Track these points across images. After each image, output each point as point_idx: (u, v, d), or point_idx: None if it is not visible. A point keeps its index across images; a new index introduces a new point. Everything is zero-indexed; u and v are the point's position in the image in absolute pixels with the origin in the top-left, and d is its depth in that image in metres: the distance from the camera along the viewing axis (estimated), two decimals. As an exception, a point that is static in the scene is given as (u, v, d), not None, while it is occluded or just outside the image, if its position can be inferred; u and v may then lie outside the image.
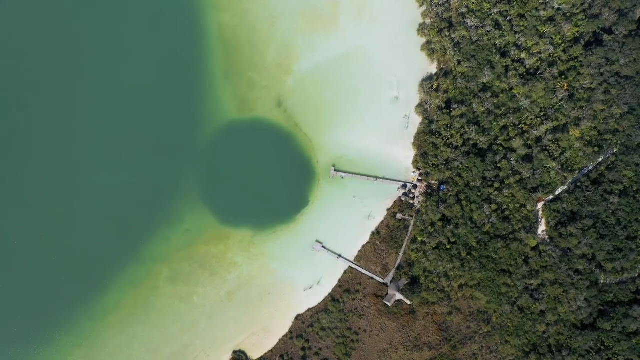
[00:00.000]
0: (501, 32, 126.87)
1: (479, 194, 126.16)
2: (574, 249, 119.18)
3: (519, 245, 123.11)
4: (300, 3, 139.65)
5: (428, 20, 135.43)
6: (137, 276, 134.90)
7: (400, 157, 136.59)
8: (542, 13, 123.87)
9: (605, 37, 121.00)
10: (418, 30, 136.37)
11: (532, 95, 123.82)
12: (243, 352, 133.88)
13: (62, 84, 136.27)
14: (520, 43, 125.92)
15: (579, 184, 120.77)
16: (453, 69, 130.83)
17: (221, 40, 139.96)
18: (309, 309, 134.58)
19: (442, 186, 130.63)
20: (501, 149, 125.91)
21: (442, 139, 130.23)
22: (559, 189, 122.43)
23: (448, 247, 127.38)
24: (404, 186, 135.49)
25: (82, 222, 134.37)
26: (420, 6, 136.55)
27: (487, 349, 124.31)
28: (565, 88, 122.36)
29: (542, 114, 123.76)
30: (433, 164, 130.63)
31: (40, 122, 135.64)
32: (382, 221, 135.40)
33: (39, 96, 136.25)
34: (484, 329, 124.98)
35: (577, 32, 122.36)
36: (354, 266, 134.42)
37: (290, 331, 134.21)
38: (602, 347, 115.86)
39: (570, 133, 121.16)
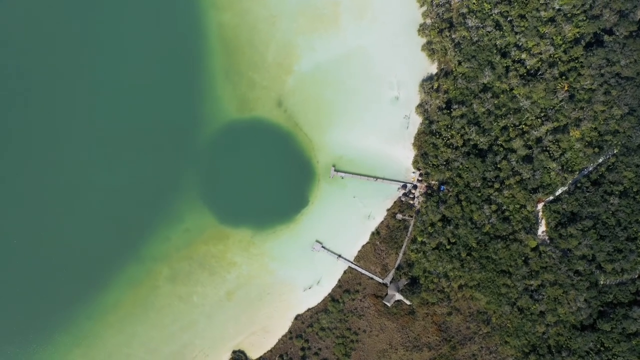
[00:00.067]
0: (502, 32, 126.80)
1: (479, 194, 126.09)
2: (574, 249, 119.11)
3: (518, 245, 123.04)
4: (301, 3, 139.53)
5: (429, 21, 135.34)
6: (137, 275, 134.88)
7: (400, 157, 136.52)
8: (542, 14, 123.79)
9: (605, 37, 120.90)
10: (418, 30, 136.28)
11: (532, 96, 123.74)
12: (242, 352, 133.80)
13: (62, 84, 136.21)
14: (520, 43, 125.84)
15: (579, 185, 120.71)
16: (453, 70, 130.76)
17: (221, 40, 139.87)
18: (309, 309, 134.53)
19: (442, 186, 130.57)
20: (501, 149, 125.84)
21: (443, 140, 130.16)
22: (559, 190, 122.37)
23: (448, 247, 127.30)
24: (404, 186, 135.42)
25: (81, 221, 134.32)
26: (421, 6, 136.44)
27: (486, 350, 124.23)
28: (566, 89, 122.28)
29: (542, 114, 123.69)
30: (433, 165, 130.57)
31: (40, 122, 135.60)
32: (382, 221, 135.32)
33: (39, 96, 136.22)
34: (484, 329, 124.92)
35: (578, 32, 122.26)
36: (353, 266, 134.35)
37: (289, 331, 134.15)
38: (601, 348, 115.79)
39: (571, 134, 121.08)
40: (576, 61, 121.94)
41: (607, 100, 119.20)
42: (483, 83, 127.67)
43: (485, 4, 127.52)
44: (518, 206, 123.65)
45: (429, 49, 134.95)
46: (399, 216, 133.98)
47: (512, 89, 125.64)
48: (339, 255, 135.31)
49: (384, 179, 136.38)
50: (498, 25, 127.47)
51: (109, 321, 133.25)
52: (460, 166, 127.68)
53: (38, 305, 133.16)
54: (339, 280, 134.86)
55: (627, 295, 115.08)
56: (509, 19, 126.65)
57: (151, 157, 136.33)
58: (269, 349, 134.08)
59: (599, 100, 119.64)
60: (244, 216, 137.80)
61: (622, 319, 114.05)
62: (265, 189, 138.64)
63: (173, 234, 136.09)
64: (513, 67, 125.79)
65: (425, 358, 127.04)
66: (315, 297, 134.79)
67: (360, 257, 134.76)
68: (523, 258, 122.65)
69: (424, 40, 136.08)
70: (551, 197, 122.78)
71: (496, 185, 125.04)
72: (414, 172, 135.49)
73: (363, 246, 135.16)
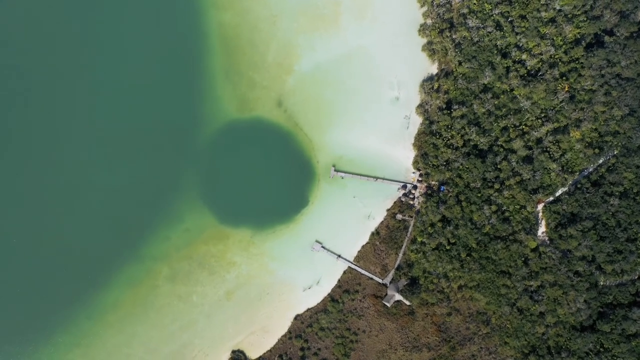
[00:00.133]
0: (502, 33, 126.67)
1: (479, 195, 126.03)
2: (574, 250, 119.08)
3: (518, 246, 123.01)
4: (302, 2, 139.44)
5: (429, 21, 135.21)
6: (136, 275, 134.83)
7: (400, 157, 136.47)
8: (543, 14, 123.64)
9: (606, 38, 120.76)
10: (419, 30, 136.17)
11: (532, 97, 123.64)
12: (242, 352, 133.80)
13: (62, 84, 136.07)
14: (521, 44, 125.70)
15: (579, 186, 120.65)
16: (454, 70, 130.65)
17: (222, 40, 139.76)
18: (308, 309, 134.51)
19: (442, 187, 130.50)
20: (501, 150, 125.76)
21: (443, 140, 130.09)
22: (559, 191, 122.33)
23: (448, 248, 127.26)
24: (404, 187, 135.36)
25: (81, 221, 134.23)
26: (422, 6, 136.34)
27: (486, 350, 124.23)
28: (566, 89, 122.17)
29: (542, 115, 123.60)
30: (433, 165, 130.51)
31: (40, 122, 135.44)
32: (382, 221, 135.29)
33: (39, 96, 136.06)
34: (483, 330, 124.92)
35: (578, 33, 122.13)
36: (353, 266, 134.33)
37: (289, 331, 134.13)
38: (601, 349, 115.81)
39: (571, 134, 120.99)
40: (577, 62, 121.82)
41: (608, 101, 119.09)
42: (483, 83, 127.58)
43: (486, 4, 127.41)
44: (518, 207, 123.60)
45: (430, 49, 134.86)
46: (399, 216, 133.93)
47: (512, 90, 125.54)
48: (339, 256, 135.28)
49: (384, 179, 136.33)
50: (499, 26, 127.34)
51: (108, 321, 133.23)
52: (461, 167, 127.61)
53: (38, 305, 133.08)
54: (339, 281, 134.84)
55: (627, 297, 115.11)
56: (509, 19, 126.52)
57: (151, 157, 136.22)
58: (269, 348, 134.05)
59: (599, 101, 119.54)
60: (243, 216, 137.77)
61: (622, 320, 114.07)
62: (265, 189, 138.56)
63: (173, 233, 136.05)
64: (513, 68, 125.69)
65: (424, 358, 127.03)
66: (314, 297, 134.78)
67: (360, 257, 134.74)
68: (523, 259, 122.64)
69: (424, 40, 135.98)
70: (551, 198, 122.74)
71: (496, 186, 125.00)
72: (414, 173, 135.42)
73: (363, 246, 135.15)
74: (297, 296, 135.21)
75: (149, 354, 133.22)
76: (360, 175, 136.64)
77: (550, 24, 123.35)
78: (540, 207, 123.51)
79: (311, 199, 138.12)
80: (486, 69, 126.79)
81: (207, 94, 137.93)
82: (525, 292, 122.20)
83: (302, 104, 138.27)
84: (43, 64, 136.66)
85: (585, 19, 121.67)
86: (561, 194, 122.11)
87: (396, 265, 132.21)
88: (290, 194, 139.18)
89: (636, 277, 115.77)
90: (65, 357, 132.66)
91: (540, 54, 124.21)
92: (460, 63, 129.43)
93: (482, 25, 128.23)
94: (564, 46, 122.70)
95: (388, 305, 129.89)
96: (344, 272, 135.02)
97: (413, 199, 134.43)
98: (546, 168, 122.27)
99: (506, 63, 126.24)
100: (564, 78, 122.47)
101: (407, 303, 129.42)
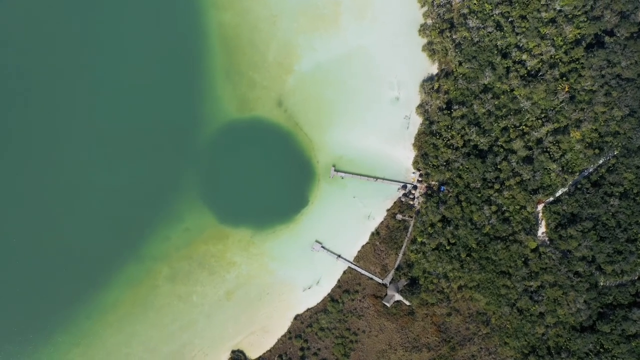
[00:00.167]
0: (502, 33, 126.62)
1: (479, 195, 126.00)
2: (574, 251, 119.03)
3: (518, 246, 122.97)
4: (302, 2, 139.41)
5: (429, 21, 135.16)
6: (136, 275, 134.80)
7: (400, 157, 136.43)
8: (543, 14, 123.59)
9: (606, 39, 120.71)
10: (419, 30, 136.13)
11: (533, 97, 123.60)
12: (241, 352, 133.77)
13: (62, 83, 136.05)
14: (521, 44, 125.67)
15: (579, 186, 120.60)
16: (454, 70, 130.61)
17: (222, 40, 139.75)
18: (308, 309, 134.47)
19: (442, 187, 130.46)
20: (502, 150, 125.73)
21: (443, 140, 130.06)
22: (559, 191, 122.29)
23: (448, 248, 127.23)
24: (404, 187, 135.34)
25: (81, 220, 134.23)
26: (422, 7, 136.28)
27: (486, 351, 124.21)
28: (566, 90, 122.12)
29: (542, 115, 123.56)
30: (433, 165, 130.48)
31: (40, 122, 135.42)
32: (382, 222, 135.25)
33: (39, 96, 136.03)
34: (483, 330, 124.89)
35: (579, 33, 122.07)
36: (353, 266, 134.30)
37: (289, 331, 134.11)
38: (601, 350, 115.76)
39: (571, 135, 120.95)
40: (577, 62, 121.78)
41: (608, 101, 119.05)
42: (484, 84, 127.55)
43: (486, 4, 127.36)
44: (518, 207, 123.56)
45: (430, 50, 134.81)
46: (399, 216, 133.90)
47: (512, 90, 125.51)
48: (339, 256, 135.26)
49: (384, 179, 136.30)
50: (499, 26, 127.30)
51: (108, 320, 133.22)
52: (461, 167, 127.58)
53: (38, 305, 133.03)
54: (339, 281, 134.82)
55: (627, 297, 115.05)
56: (510, 19, 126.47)
57: (151, 157, 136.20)
58: (268, 348, 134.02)
59: (599, 101, 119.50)
60: (243, 216, 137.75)
61: (622, 320, 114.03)
62: (265, 189, 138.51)
63: (173, 233, 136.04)
64: (514, 68, 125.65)
65: (424, 359, 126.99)
66: (314, 297, 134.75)
67: (360, 258, 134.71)
68: (523, 259, 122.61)
69: (424, 40, 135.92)
70: (551, 198, 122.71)
71: (496, 186, 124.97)
72: (414, 173, 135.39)
73: (363, 246, 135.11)
74: (297, 296, 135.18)
75: (149, 354, 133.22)
76: (360, 175, 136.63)
77: (551, 24, 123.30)
78: (540, 207, 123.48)
79: (311, 199, 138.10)
80: (486, 69, 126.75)
81: (207, 94, 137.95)
82: (525, 293, 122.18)
83: (302, 104, 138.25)
84: (43, 64, 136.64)
85: (585, 19, 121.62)
86: (561, 195, 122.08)
87: (396, 266, 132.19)
88: (290, 194, 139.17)
89: (636, 278, 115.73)
90: (65, 357, 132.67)
91: (541, 54, 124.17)
92: (460, 63, 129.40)
93: (482, 26, 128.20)
94: (564, 46, 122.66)
95: (388, 305, 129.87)
96: (344, 272, 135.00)
97: (413, 199, 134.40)
98: (546, 168, 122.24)
99: (506, 63, 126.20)
100: (564, 78, 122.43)
101: (407, 303, 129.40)
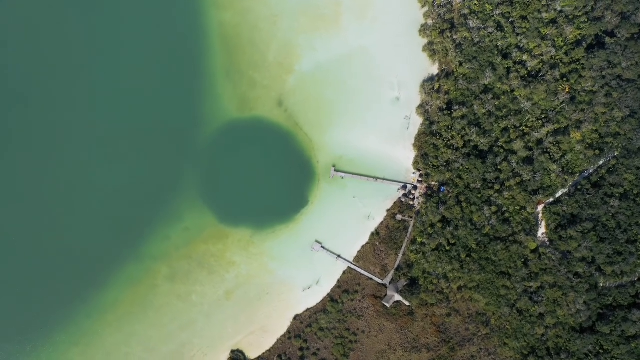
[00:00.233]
0: (503, 33, 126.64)
1: (479, 195, 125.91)
2: (574, 251, 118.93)
3: (518, 247, 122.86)
4: (302, 2, 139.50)
5: (430, 21, 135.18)
6: (136, 274, 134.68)
7: (400, 158, 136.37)
8: (544, 15, 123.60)
9: (607, 40, 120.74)
10: (420, 31, 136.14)
11: (533, 98, 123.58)
12: (241, 352, 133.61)
13: (62, 83, 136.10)
14: (522, 45, 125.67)
15: (579, 187, 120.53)
16: (454, 70, 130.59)
17: (222, 39, 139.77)
18: (308, 309, 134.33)
19: (442, 187, 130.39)
20: (502, 150, 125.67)
21: (443, 140, 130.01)
22: (560, 192, 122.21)
23: (447, 248, 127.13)
24: (404, 187, 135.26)
25: (81, 220, 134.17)
26: (422, 7, 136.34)
27: (485, 351, 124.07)
28: (567, 90, 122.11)
29: (543, 116, 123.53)
30: (433, 165, 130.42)
31: (40, 122, 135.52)
32: (382, 222, 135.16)
33: (38, 96, 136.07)
34: (483, 331, 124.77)
35: (579, 34, 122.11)
36: (353, 267, 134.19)
37: (288, 331, 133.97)
38: (600, 351, 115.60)
39: (571, 136, 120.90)
40: (577, 63, 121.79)
41: (608, 102, 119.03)
42: (484, 84, 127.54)
43: (486, 5, 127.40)
44: (518, 208, 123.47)
45: (430, 50, 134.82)
46: (399, 217, 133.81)
47: (513, 91, 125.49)
48: (339, 256, 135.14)
49: (384, 179, 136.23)
50: (499, 27, 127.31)
51: (107, 320, 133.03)
52: (461, 167, 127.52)
53: (37, 304, 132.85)
54: (338, 281, 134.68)
55: (627, 298, 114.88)
56: (510, 20, 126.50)
57: (151, 156, 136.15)
58: (268, 348, 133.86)
59: (600, 102, 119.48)
60: (243, 215, 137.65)
61: (622, 321, 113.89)
62: (265, 189, 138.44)
63: (172, 232, 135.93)
64: (514, 69, 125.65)
65: (424, 359, 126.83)
66: (314, 297, 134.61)
67: (360, 258, 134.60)
68: (523, 260, 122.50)
69: (425, 40, 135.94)
70: (551, 199, 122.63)
71: (496, 187, 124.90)
72: (414, 173, 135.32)
73: (362, 246, 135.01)
74: (296, 296, 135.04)
75: (148, 353, 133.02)
76: (360, 175, 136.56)
77: (551, 25, 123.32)
78: (540, 208, 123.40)
79: (311, 199, 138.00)
80: (487, 70, 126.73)
81: (208, 93, 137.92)
82: (524, 293, 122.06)
83: (302, 104, 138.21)
84: (43, 64, 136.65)
85: (586, 20, 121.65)
86: (561, 195, 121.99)
87: (396, 266, 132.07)
88: (290, 194, 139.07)
89: (636, 279, 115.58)
90: (64, 356, 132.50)
91: (541, 55, 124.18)
92: (461, 64, 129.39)
93: (483, 26, 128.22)
94: (564, 47, 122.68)
95: (387, 305, 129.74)
96: (344, 273, 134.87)
97: (413, 199, 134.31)
98: (546, 169, 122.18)
99: (507, 64, 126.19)
100: (565, 79, 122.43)
101: (407, 303, 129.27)
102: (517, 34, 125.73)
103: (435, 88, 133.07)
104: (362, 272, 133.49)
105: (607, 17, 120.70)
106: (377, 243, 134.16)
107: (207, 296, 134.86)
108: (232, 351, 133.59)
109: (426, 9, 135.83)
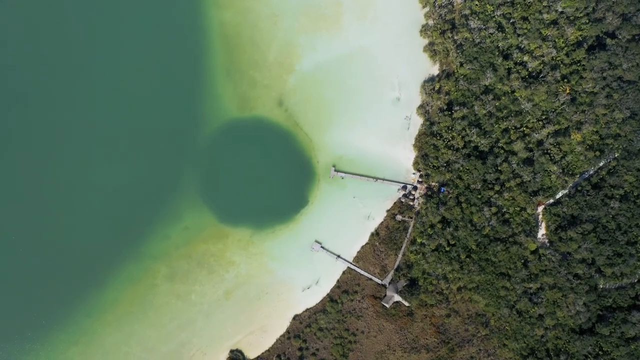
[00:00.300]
0: (504, 34, 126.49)
1: (479, 196, 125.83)
2: (574, 253, 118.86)
3: (518, 248, 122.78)
4: (303, 2, 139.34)
5: (431, 22, 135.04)
6: (135, 274, 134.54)
7: (400, 158, 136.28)
8: (545, 16, 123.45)
9: (608, 41, 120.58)
10: (421, 31, 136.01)
11: (534, 99, 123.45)
12: (240, 352, 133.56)
13: (62, 83, 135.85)
14: (523, 46, 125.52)
15: (579, 188, 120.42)
16: (455, 71, 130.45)
17: (223, 38, 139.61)
18: (307, 309, 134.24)
19: (442, 188, 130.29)
20: (502, 151, 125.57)
21: (443, 141, 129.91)
22: (560, 193, 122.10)
23: (447, 249, 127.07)
24: (404, 187, 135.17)
25: (80, 219, 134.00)
26: (423, 7, 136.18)
27: (484, 352, 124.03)
28: (568, 92, 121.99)
29: (543, 117, 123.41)
30: (433, 166, 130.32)
31: (40, 122, 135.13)
32: (382, 222, 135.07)
33: (38, 96, 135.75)
34: (482, 332, 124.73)
35: (580, 35, 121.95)
36: (352, 267, 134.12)
37: (287, 331, 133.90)
38: (600, 352, 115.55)
39: (572, 137, 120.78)
40: (578, 64, 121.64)
41: (609, 103, 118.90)
42: (485, 85, 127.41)
43: (487, 5, 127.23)
44: (518, 209, 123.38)
45: (431, 50, 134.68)
46: (399, 217, 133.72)
47: (513, 91, 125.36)
48: (338, 256, 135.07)
49: (384, 179, 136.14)
50: (500, 27, 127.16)
51: (107, 319, 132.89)
52: (461, 168, 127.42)
53: (36, 303, 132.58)
54: (338, 281, 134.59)
55: (627, 300, 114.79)
56: (511, 21, 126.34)
57: (151, 155, 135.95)
58: (267, 348, 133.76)
59: (600, 103, 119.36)
60: (243, 215, 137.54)
61: (621, 323, 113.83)
62: (265, 189, 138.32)
63: (172, 232, 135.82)
64: (515, 69, 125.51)
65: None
66: (313, 297, 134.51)
67: (360, 258, 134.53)
68: (522, 261, 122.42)
69: (426, 41, 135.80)
70: (551, 200, 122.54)
71: (496, 188, 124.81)
72: (414, 173, 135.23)
73: (362, 247, 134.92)
74: (296, 296, 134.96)
75: (147, 353, 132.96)
76: (361, 175, 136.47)
77: (552, 26, 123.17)
78: (540, 209, 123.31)
79: (311, 199, 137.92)
80: (487, 71, 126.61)
81: (208, 93, 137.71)
82: (524, 295, 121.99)
83: (302, 104, 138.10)
84: (43, 64, 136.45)
85: (587, 21, 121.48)
86: (561, 197, 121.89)
87: (395, 266, 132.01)
88: (290, 194, 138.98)
89: (636, 281, 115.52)
90: (63, 355, 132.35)
91: (542, 55, 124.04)
92: (461, 64, 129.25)
93: (483, 27, 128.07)
94: (565, 48, 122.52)
95: (387, 306, 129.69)
96: (343, 273, 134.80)
97: (413, 199, 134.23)
98: (547, 170, 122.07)
99: (508, 65, 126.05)
100: (566, 80, 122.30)
101: (406, 304, 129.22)
102: (518, 35, 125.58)
103: (436, 88, 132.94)
104: (362, 272, 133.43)
105: (608, 18, 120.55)
106: (377, 243, 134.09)
107: (207, 296, 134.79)
108: (232, 351, 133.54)
109: (427, 9, 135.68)
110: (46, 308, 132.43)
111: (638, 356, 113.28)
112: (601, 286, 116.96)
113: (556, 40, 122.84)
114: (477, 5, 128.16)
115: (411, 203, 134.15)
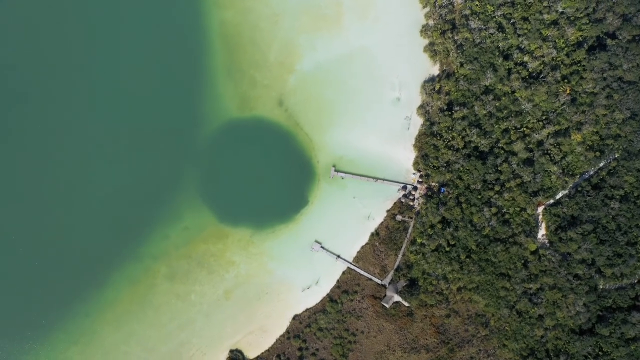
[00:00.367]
0: (504, 34, 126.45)
1: (479, 196, 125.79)
2: (574, 253, 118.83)
3: (518, 249, 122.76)
4: (304, 2, 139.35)
5: (431, 22, 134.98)
6: (135, 273, 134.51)
7: (400, 158, 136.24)
8: (545, 16, 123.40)
9: (608, 41, 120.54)
10: (421, 31, 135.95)
11: (534, 99, 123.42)
12: (240, 351, 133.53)
13: (62, 82, 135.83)
14: (523, 46, 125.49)
15: (579, 189, 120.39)
16: (455, 71, 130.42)
17: (223, 38, 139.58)
18: (307, 309, 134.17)
19: (443, 188, 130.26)
20: (502, 152, 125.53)
21: (443, 141, 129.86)
22: (560, 193, 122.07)
23: (447, 249, 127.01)
24: (404, 188, 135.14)
25: (80, 219, 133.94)
26: (424, 7, 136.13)
27: (484, 353, 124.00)
28: (568, 92, 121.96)
29: (543, 117, 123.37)
30: (434, 166, 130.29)
31: (40, 121, 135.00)
32: (382, 222, 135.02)
33: (38, 96, 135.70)
34: (482, 332, 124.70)
35: (581, 36, 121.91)
36: (352, 267, 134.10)
37: (287, 331, 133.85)
38: (600, 353, 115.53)
39: (572, 137, 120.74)
40: (578, 64, 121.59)
41: (609, 104, 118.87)
42: (485, 85, 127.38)
43: (488, 5, 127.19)
44: (518, 209, 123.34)
45: (431, 50, 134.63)
46: (399, 217, 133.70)
47: (514, 92, 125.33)
48: (338, 256, 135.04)
49: (384, 179, 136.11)
50: (501, 28, 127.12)
51: (106, 319, 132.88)
52: (461, 168, 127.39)
53: (36, 303, 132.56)
54: (338, 281, 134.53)
55: (626, 300, 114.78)
56: (511, 21, 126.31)
57: (151, 155, 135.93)
58: (267, 348, 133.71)
59: (600, 104, 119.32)
60: (243, 215, 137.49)
61: (621, 323, 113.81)
62: (265, 189, 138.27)
63: (172, 232, 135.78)
64: (515, 70, 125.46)
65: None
66: (313, 297, 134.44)
67: (359, 258, 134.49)
68: (522, 261, 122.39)
69: (426, 41, 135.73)
70: (551, 201, 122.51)
71: (496, 188, 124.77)
72: (414, 174, 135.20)
73: (362, 247, 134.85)
74: (295, 296, 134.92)
75: (147, 353, 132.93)
76: (361, 175, 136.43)
77: (553, 26, 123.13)
78: (540, 209, 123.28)
79: (311, 199, 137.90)
80: (488, 71, 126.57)
81: (209, 92, 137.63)
82: (524, 295, 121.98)
83: (303, 104, 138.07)
84: (43, 63, 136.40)
85: (587, 21, 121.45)
86: (561, 197, 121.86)
87: (395, 266, 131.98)
88: (290, 194, 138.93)
89: (636, 281, 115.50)
90: (63, 355, 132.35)
91: (542, 56, 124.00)
92: (461, 64, 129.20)
93: (484, 27, 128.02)
94: (566, 49, 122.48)
95: (387, 306, 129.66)
96: (343, 273, 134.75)
97: (413, 200, 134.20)
98: (547, 171, 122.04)
99: (508, 65, 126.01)
100: (566, 80, 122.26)
101: (406, 304, 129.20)
102: (519, 35, 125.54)
103: (436, 89, 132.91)
104: (362, 272, 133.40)
105: (608, 18, 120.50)
106: (377, 243, 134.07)
107: (206, 296, 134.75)
108: (231, 351, 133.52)
109: (427, 9, 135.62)
110: (46, 308, 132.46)
111: (638, 357, 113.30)
112: (601, 287, 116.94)
113: (556, 40, 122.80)
114: (477, 5, 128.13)
115: (411, 203, 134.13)
